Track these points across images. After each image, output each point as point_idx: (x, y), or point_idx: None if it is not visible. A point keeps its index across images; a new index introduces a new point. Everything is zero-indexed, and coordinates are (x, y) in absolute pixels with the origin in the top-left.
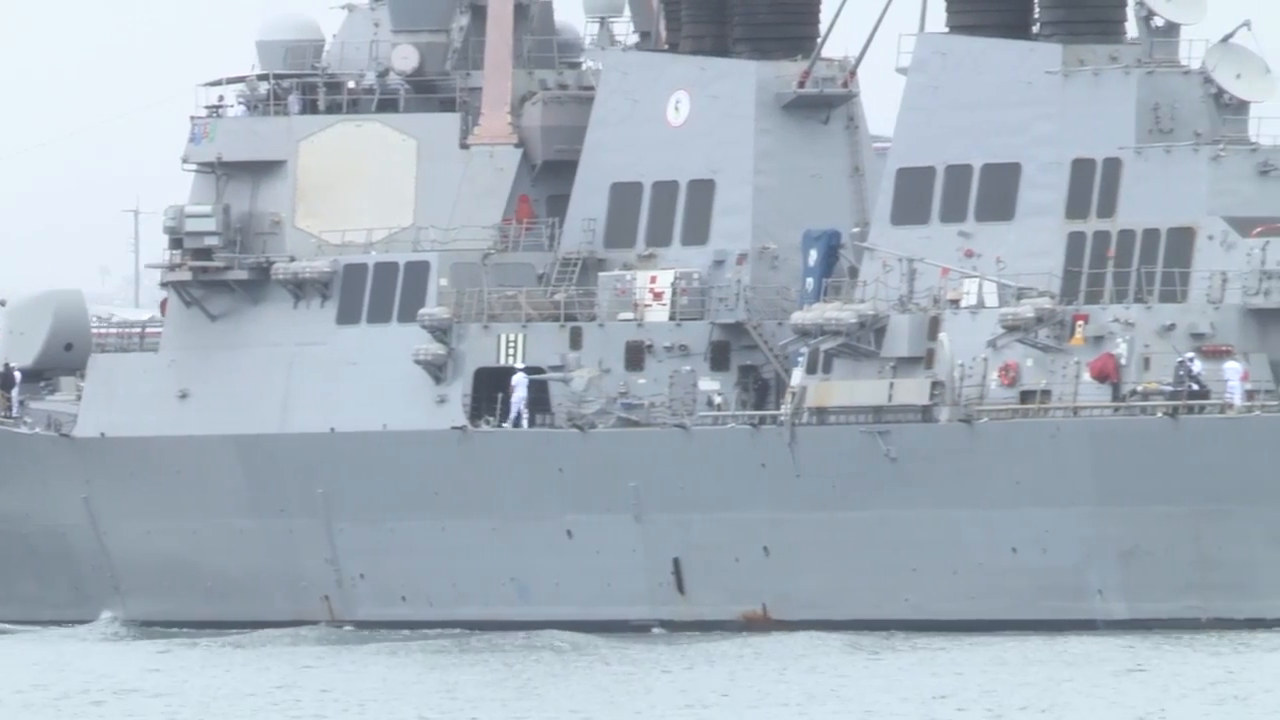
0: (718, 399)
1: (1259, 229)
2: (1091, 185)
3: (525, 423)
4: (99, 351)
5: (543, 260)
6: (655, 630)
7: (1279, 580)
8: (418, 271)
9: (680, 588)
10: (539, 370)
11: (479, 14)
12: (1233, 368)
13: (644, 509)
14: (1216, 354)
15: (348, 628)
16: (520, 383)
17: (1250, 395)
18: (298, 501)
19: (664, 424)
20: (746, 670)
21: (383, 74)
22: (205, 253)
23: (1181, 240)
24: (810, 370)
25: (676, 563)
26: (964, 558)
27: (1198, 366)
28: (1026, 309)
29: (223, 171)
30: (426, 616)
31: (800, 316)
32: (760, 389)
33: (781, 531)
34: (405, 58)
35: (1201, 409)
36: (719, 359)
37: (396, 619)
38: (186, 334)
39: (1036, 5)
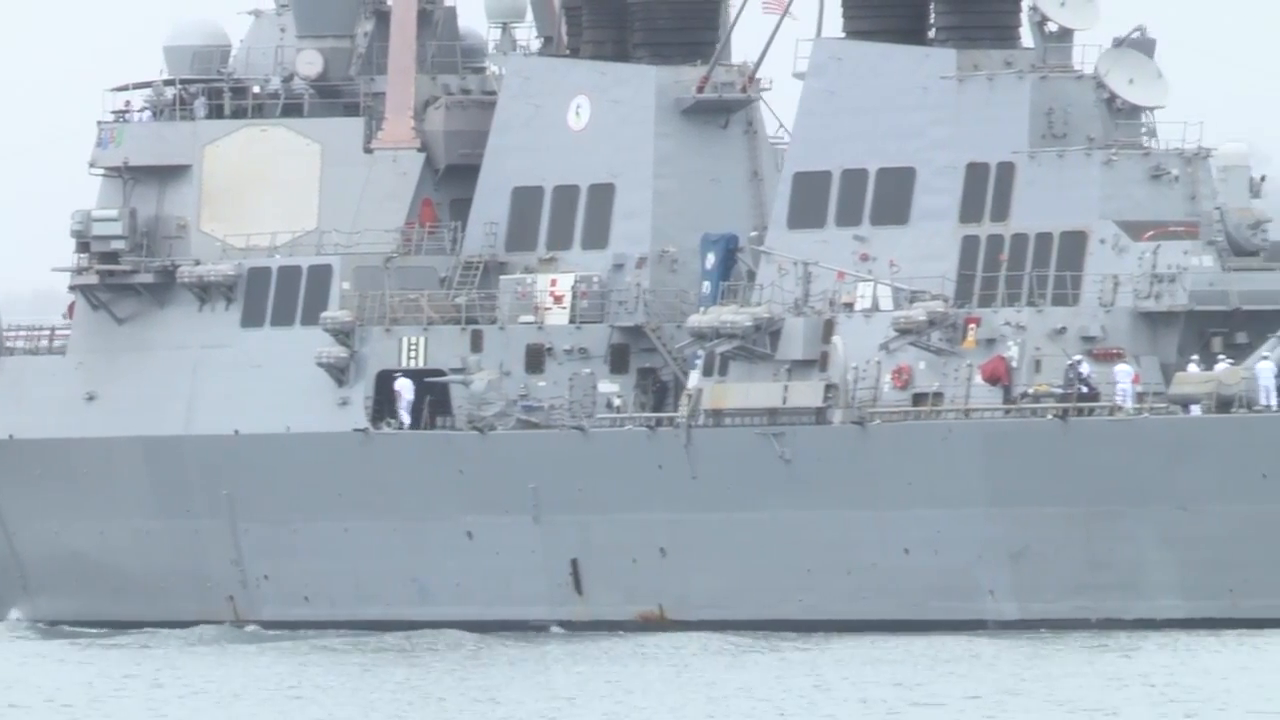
0: (617, 401)
1: (1150, 233)
2: (985, 189)
3: (406, 427)
4: (7, 355)
5: (445, 264)
6: (554, 630)
7: (1167, 581)
8: (320, 275)
9: (578, 588)
10: (438, 373)
11: (383, 19)
12: (1124, 370)
13: (543, 510)
14: (1107, 357)
15: (252, 627)
16: (405, 387)
17: (1140, 397)
18: (203, 502)
19: (562, 426)
20: (640, 669)
21: (287, 79)
22: (112, 256)
23: (1074, 244)
24: (707, 373)
25: (575, 563)
26: (857, 558)
27: (1087, 369)
28: (919, 312)
29: (129, 176)
30: (329, 616)
31: (696, 320)
32: (659, 391)
33: (678, 533)
34: (310, 63)
35: (1091, 411)
36: (618, 362)
37: (300, 619)
38: (94, 337)
39: (932, 11)
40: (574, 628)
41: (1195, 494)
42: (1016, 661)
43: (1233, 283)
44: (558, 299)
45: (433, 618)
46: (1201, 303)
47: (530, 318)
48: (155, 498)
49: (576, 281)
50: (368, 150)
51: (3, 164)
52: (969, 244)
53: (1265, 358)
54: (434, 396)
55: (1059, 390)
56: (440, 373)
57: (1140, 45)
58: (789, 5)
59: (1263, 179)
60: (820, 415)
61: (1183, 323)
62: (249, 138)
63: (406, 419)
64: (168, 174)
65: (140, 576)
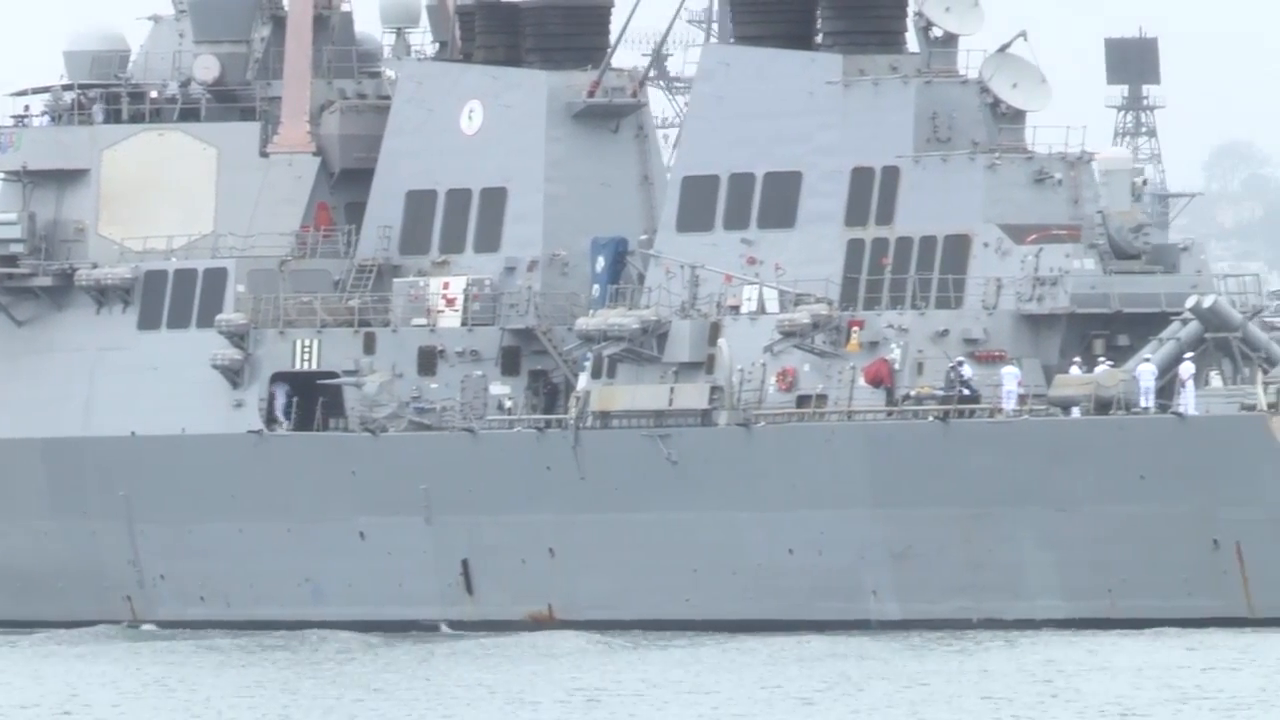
0: (508, 403)
1: (1033, 236)
2: (870, 193)
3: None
4: None
5: (339, 267)
6: (444, 630)
7: (1047, 582)
8: (216, 278)
9: (469, 588)
10: (331, 375)
11: (280, 25)
12: (1010, 373)
13: (434, 511)
14: (990, 359)
15: (149, 627)
16: (280, 390)
17: (1022, 400)
18: (100, 503)
19: (452, 428)
20: (513, 667)
21: (185, 84)
22: (10, 259)
23: (957, 247)
24: (595, 375)
25: (465, 564)
26: (743, 559)
27: (968, 371)
28: (803, 315)
29: (28, 180)
30: (225, 616)
31: (584, 322)
32: (550, 393)
33: (566, 533)
34: (206, 68)
35: (972, 413)
36: (510, 364)
37: (196, 619)
38: None
39: (819, 17)
40: (464, 627)
41: (1074, 495)
42: (883, 660)
43: (1114, 285)
44: (450, 302)
45: (326, 618)
46: (1083, 305)
47: (423, 320)
48: (52, 498)
49: (469, 284)
50: (264, 154)
51: None
52: (854, 247)
53: (1146, 360)
54: (327, 398)
55: (940, 392)
56: (333, 375)
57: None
58: None
59: (1144, 183)
60: (706, 417)
61: (1065, 325)
62: (146, 142)
63: (284, 421)
64: (66, 178)
65: (38, 577)
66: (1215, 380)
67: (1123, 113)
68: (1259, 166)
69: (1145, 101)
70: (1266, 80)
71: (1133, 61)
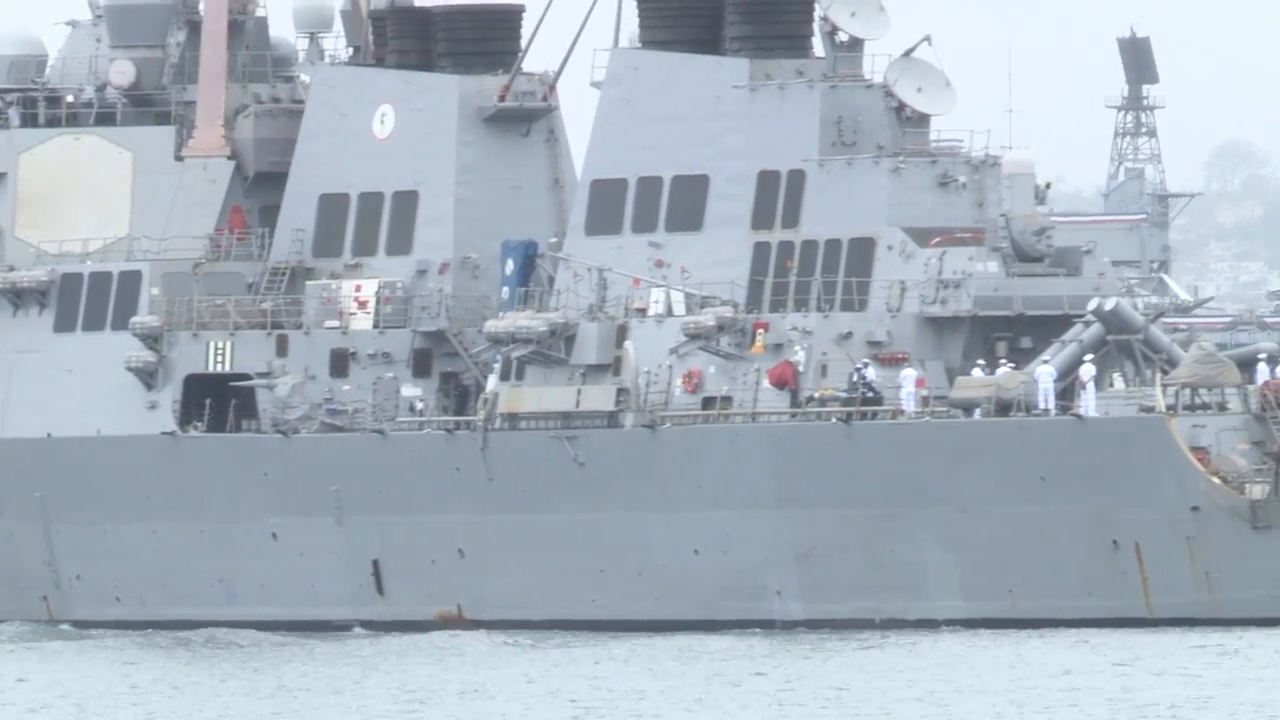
0: (419, 405)
1: (937, 239)
2: (776, 197)
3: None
4: None
5: (253, 269)
6: (356, 630)
7: (948, 582)
8: (130, 281)
9: (380, 589)
10: (244, 377)
11: (195, 30)
12: (908, 375)
13: (345, 512)
14: (893, 361)
15: (65, 626)
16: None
17: (925, 402)
18: (16, 504)
19: (363, 429)
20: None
21: (101, 88)
22: None
23: (862, 250)
24: (504, 377)
25: (376, 564)
26: (648, 559)
27: (871, 374)
28: (708, 318)
29: None
30: (140, 616)
31: (493, 325)
32: (461, 395)
33: (475, 534)
34: (122, 72)
35: (874, 415)
36: (421, 366)
37: (112, 619)
38: None
39: (726, 21)
40: (375, 628)
41: (975, 496)
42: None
43: (1017, 288)
44: (362, 304)
45: (239, 618)
46: (986, 308)
47: (335, 323)
48: None
49: (380, 287)
50: (179, 158)
51: None
52: (760, 250)
53: (1045, 362)
54: (240, 400)
55: (843, 394)
56: (246, 377)
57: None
58: None
59: (1048, 186)
60: (612, 419)
61: (968, 328)
62: (62, 146)
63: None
64: None
65: None
66: (1118, 382)
67: (1123, 113)
68: (1259, 166)
69: (1145, 101)
70: (1267, 80)
71: (1131, 62)
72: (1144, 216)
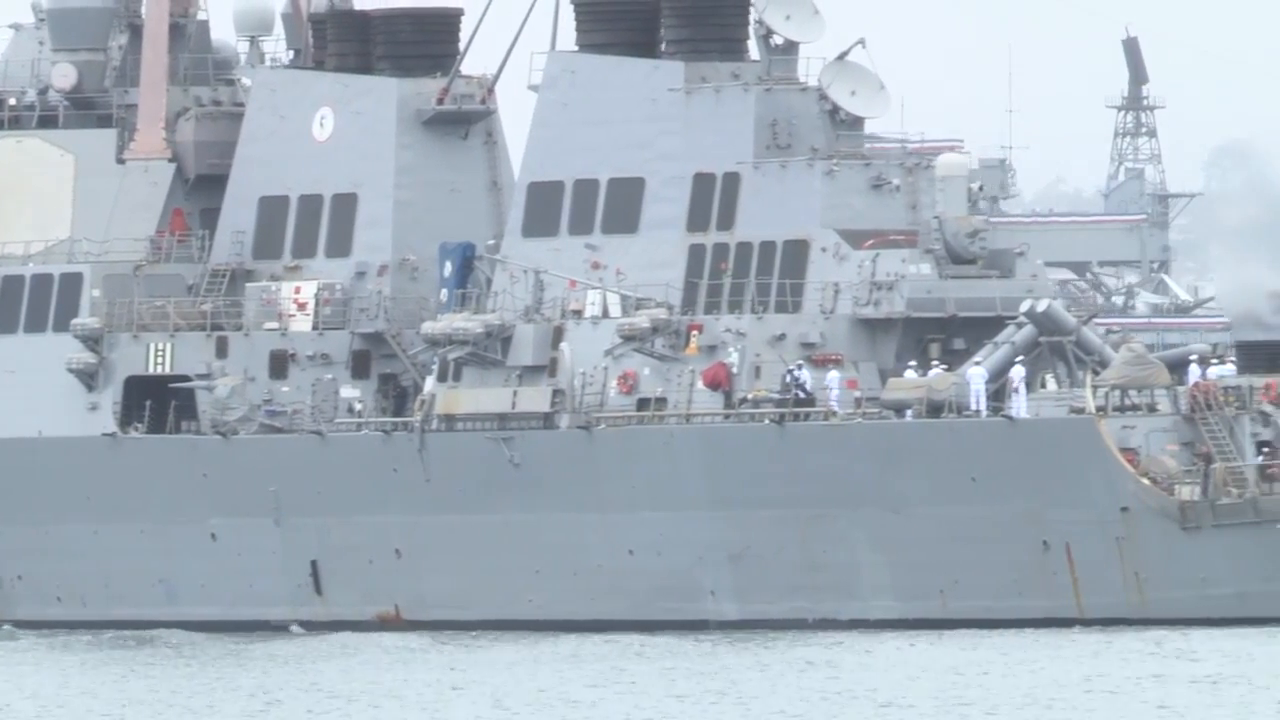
0: (358, 406)
1: (870, 241)
2: (711, 199)
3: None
4: None
5: (193, 271)
6: (294, 630)
7: (880, 582)
8: (71, 283)
9: (318, 589)
10: (184, 379)
11: (136, 33)
12: (834, 376)
13: (283, 513)
14: (827, 363)
15: (6, 627)
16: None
17: (858, 403)
18: None
19: (302, 431)
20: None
21: (43, 91)
22: None
23: (796, 252)
24: (441, 378)
25: (314, 565)
26: (584, 560)
27: (805, 375)
28: (643, 319)
29: None
30: (81, 617)
31: (430, 326)
32: (399, 396)
33: (412, 535)
34: (64, 75)
35: (807, 416)
36: (360, 367)
37: (53, 619)
38: None
39: (662, 25)
40: (314, 627)
41: (907, 497)
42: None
43: (949, 290)
44: (301, 306)
45: (179, 618)
46: (919, 310)
47: (275, 324)
48: None
49: (320, 289)
50: (120, 161)
51: None
52: (695, 252)
53: (977, 363)
54: (180, 401)
55: (776, 396)
56: (186, 378)
57: (1132, 46)
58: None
59: (980, 188)
60: (548, 420)
61: (901, 329)
62: (4, 149)
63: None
64: None
65: None
66: (1050, 383)
67: (1122, 113)
68: (1259, 166)
69: (1145, 101)
70: (1267, 80)
71: (1133, 62)
72: (1144, 217)
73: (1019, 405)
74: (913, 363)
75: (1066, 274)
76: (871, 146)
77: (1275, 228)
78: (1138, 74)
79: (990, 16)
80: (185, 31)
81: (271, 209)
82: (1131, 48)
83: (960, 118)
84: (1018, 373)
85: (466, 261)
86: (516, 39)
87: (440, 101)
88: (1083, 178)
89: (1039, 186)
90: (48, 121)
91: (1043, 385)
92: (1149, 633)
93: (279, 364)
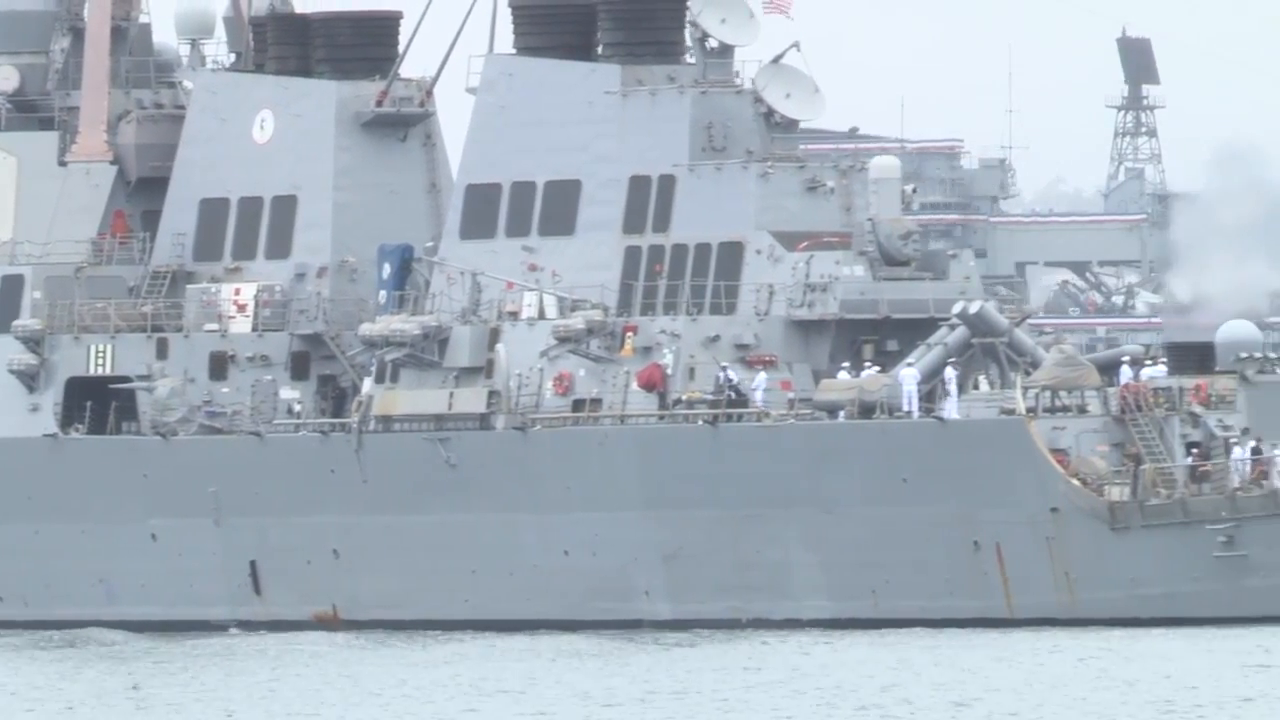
0: (297, 407)
1: (804, 243)
2: (647, 201)
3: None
4: None
5: (134, 273)
6: (232, 630)
7: (813, 582)
8: (13, 284)
9: (257, 589)
10: (125, 380)
11: (79, 36)
12: (762, 378)
13: (222, 513)
14: (761, 364)
15: None
16: None
17: (791, 404)
18: None
19: (240, 432)
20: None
21: None
22: None
23: (731, 254)
24: (379, 380)
25: (253, 565)
26: (519, 560)
27: (735, 376)
28: (578, 321)
29: None
30: (23, 616)
31: (367, 328)
32: (338, 397)
33: (350, 535)
34: (6, 78)
35: (740, 417)
36: (299, 368)
37: None
38: None
39: (599, 28)
40: (253, 627)
41: (839, 497)
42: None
43: (883, 292)
44: (241, 308)
45: (119, 618)
46: (852, 311)
47: (214, 326)
48: None
49: (259, 290)
50: (62, 163)
51: None
52: (631, 254)
53: (910, 364)
54: (120, 402)
55: (710, 397)
56: (126, 379)
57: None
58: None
59: (914, 191)
60: (484, 421)
61: (834, 331)
62: None
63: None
64: None
65: None
66: (983, 385)
67: (1122, 112)
68: (1259, 167)
69: (1145, 102)
70: (1268, 80)
71: (1128, 62)
72: (1144, 216)
73: (951, 406)
74: (846, 364)
75: (1067, 274)
76: (871, 147)
77: (1275, 228)
78: (1146, 75)
79: (990, 16)
80: (127, 34)
81: (212, 211)
82: (1142, 49)
83: (960, 118)
84: (950, 374)
85: (405, 263)
86: (455, 42)
87: (379, 104)
88: (1083, 178)
89: (1039, 186)
90: None
91: (975, 386)
92: (1068, 631)
93: (219, 365)
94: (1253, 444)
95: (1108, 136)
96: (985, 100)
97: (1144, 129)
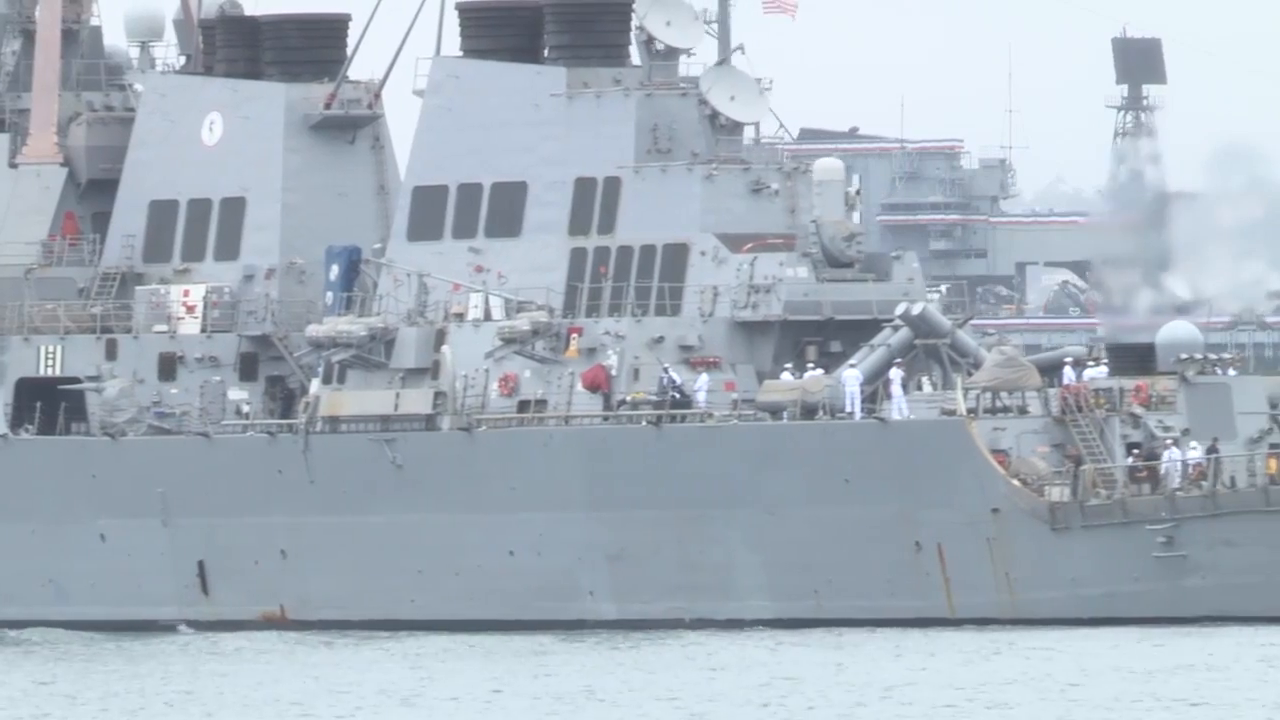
0: (246, 408)
1: (749, 245)
2: (593, 203)
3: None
4: None
5: (84, 275)
6: (181, 630)
7: (755, 583)
8: None
9: (205, 589)
10: (74, 381)
11: (30, 38)
12: (704, 379)
13: (171, 513)
14: (705, 365)
15: None
16: None
17: (734, 405)
18: None
19: (189, 432)
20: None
21: None
22: None
23: (676, 256)
24: (326, 381)
25: (201, 565)
26: (465, 560)
27: (679, 377)
28: (523, 322)
29: None
30: None
31: (314, 329)
32: (286, 398)
33: (297, 535)
34: None
35: (683, 418)
36: (247, 369)
37: None
38: None
39: (545, 31)
40: (201, 627)
41: (781, 498)
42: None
43: (826, 293)
44: (190, 309)
45: (68, 617)
46: (796, 313)
47: (164, 327)
48: None
49: (208, 292)
50: (13, 165)
51: None
52: (577, 256)
53: (852, 366)
54: (70, 403)
55: (654, 398)
56: (76, 380)
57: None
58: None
59: (858, 193)
60: (430, 422)
61: (778, 332)
62: None
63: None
64: None
65: None
66: (926, 386)
67: (1122, 113)
68: (1260, 166)
69: (1145, 102)
70: (1267, 80)
71: (1136, 62)
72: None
73: (898, 407)
74: (788, 365)
75: (1067, 274)
76: (870, 147)
77: (1275, 228)
78: (1150, 75)
79: (990, 16)
80: (78, 37)
81: (161, 213)
82: (1148, 49)
83: (960, 118)
84: (896, 375)
85: (352, 265)
86: (402, 45)
87: (328, 106)
88: (1083, 178)
89: (1039, 186)
90: None
91: (919, 388)
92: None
93: (168, 366)
94: (1195, 445)
95: (1108, 136)
96: (985, 100)
97: (1144, 129)
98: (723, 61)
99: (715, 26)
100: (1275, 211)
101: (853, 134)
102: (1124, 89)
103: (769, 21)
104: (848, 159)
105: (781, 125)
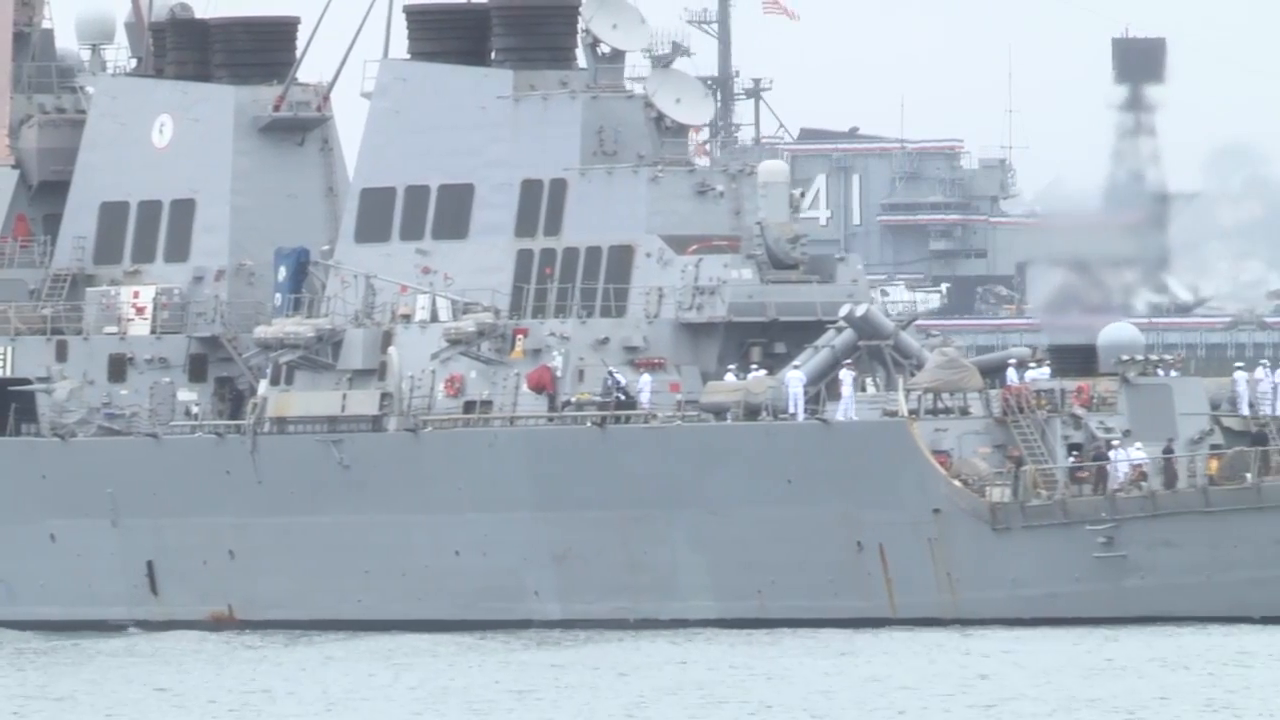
0: (195, 409)
1: (694, 246)
2: (539, 205)
3: None
4: None
5: (35, 276)
6: (131, 630)
7: (699, 583)
8: None
9: (154, 589)
10: (24, 382)
11: None
12: (646, 380)
13: (120, 514)
14: (650, 366)
15: None
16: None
17: (678, 406)
18: None
19: (138, 433)
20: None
21: None
22: None
23: (621, 257)
24: (274, 382)
25: (150, 565)
26: (411, 560)
27: (623, 378)
28: (469, 324)
29: None
30: None
31: (262, 331)
32: (236, 399)
33: (245, 536)
34: None
35: (628, 419)
36: (197, 370)
37: None
38: None
39: (492, 33)
40: (150, 627)
41: (725, 498)
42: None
43: (771, 295)
44: (140, 310)
45: (18, 617)
46: (740, 314)
47: (114, 328)
48: None
49: (158, 293)
50: None
51: None
52: (523, 257)
53: (796, 367)
54: (20, 404)
55: (599, 399)
56: (26, 381)
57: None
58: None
59: (801, 195)
60: (376, 423)
61: (723, 333)
62: None
63: None
64: None
65: None
66: (869, 387)
67: (1122, 113)
68: (1259, 166)
69: (1144, 102)
70: (1267, 80)
71: (1135, 62)
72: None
73: (848, 409)
74: (733, 366)
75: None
76: (870, 147)
77: (1274, 227)
78: (1152, 74)
79: (990, 16)
80: (29, 40)
81: (112, 215)
82: (1151, 48)
83: (960, 118)
84: (847, 376)
85: (301, 266)
86: (351, 48)
87: (277, 108)
88: (1083, 177)
89: (1039, 186)
90: None
91: (863, 389)
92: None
93: (117, 367)
94: (1139, 445)
95: (1108, 137)
96: (985, 100)
97: (1143, 129)
98: (668, 64)
99: (715, 26)
100: (1274, 211)
101: (853, 134)
102: (1119, 90)
103: (769, 21)
104: (848, 159)
105: (781, 125)
